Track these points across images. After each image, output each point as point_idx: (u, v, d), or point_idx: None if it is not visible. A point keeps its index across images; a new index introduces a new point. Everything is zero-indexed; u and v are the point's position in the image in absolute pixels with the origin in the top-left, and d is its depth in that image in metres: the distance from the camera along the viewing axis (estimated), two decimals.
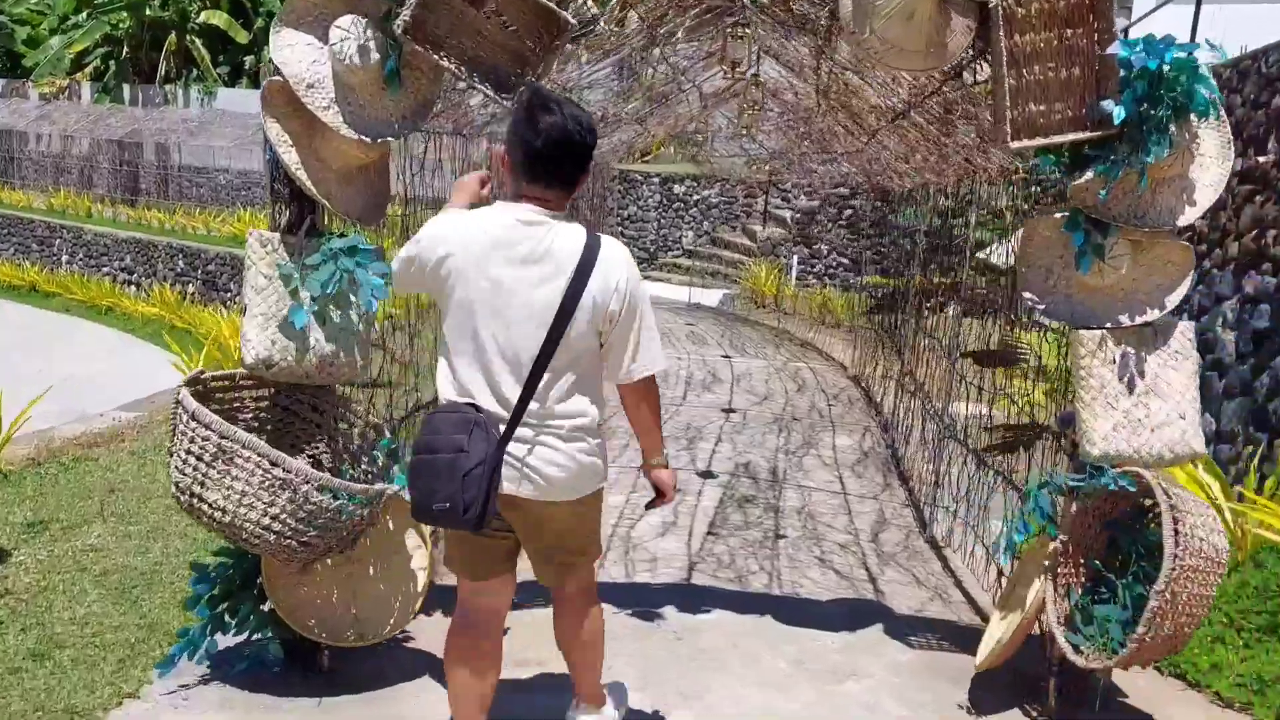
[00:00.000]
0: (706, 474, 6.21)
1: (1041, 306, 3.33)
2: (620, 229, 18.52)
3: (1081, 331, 3.20)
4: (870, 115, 5.96)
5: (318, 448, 3.28)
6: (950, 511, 5.01)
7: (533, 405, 2.36)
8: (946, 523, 5.10)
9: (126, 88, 28.94)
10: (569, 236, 2.38)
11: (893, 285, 13.86)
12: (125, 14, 29.37)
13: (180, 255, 18.96)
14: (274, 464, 2.84)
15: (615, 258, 2.41)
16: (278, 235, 3.02)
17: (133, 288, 19.04)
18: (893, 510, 5.74)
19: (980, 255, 11.20)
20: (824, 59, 5.13)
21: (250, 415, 3.20)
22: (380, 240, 3.68)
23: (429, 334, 4.65)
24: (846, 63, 4.87)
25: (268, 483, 2.84)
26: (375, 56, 2.93)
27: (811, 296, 13.73)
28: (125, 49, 29.81)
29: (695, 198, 18.38)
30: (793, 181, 17.43)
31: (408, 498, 2.46)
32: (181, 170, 24.68)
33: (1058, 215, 3.23)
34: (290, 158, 2.87)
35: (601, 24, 4.07)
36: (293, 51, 2.96)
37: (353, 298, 3.01)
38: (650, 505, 2.68)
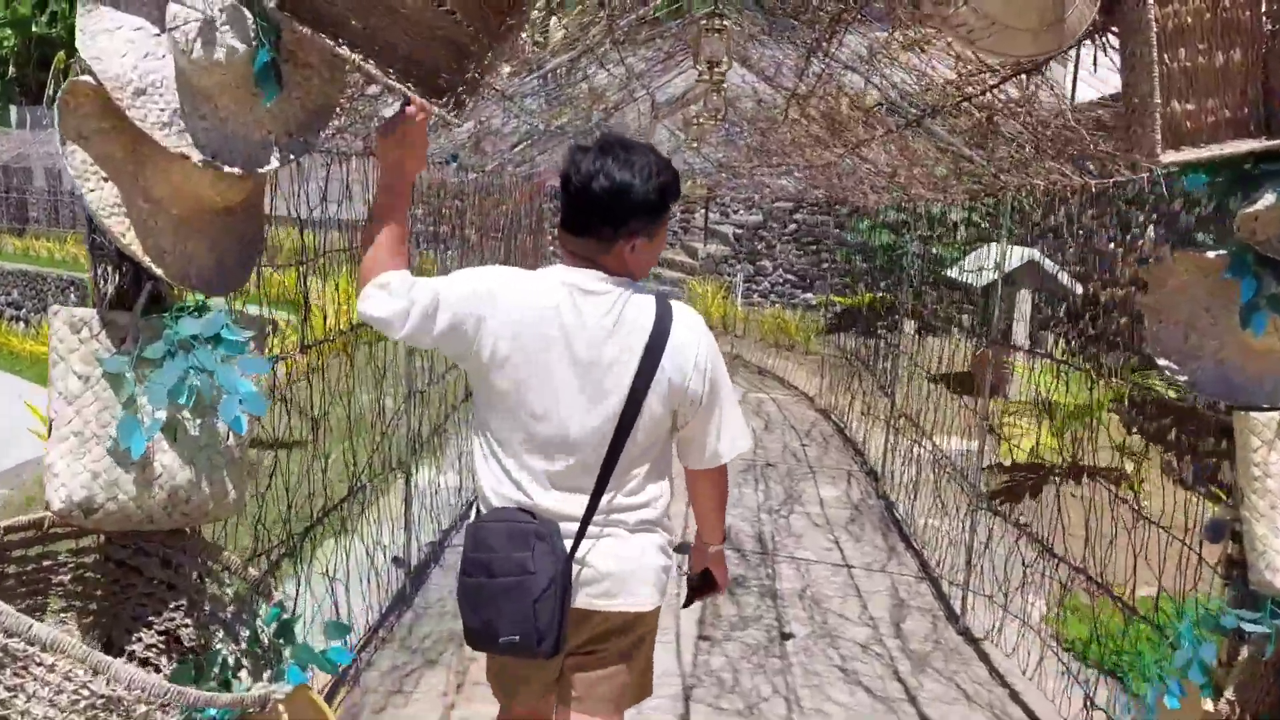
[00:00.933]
0: (682, 547, 5.27)
1: (1183, 376, 2.46)
2: (554, 249, 17.52)
3: (1253, 415, 2.33)
4: (858, 124, 5.11)
5: (173, 618, 2.24)
6: (998, 604, 4.16)
7: (604, 501, 2.00)
8: (986, 613, 4.24)
9: (13, 109, 27.02)
10: (637, 308, 1.97)
11: (857, 303, 13.20)
12: (9, 31, 27.44)
13: (73, 288, 17.42)
14: (95, 672, 1.82)
15: (690, 330, 1.99)
16: (96, 313, 1.98)
17: (20, 324, 17.45)
18: (908, 587, 4.88)
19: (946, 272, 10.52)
20: (816, 57, 4.26)
21: (69, 578, 2.15)
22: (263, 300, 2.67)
23: (339, 409, 3.63)
24: (849, 60, 4.00)
25: (84, 701, 1.82)
26: (240, 47, 1.93)
27: (763, 318, 12.93)
28: (10, 68, 27.85)
29: None
30: (732, 196, 16.69)
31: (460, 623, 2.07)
32: (75, 196, 22.91)
33: (1209, 254, 2.36)
34: (101, 198, 1.85)
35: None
36: (111, 41, 1.93)
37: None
38: (691, 600, 2.37)
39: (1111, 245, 8.87)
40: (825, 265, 14.88)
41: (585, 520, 1.97)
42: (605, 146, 1.96)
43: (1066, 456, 6.38)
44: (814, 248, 15.03)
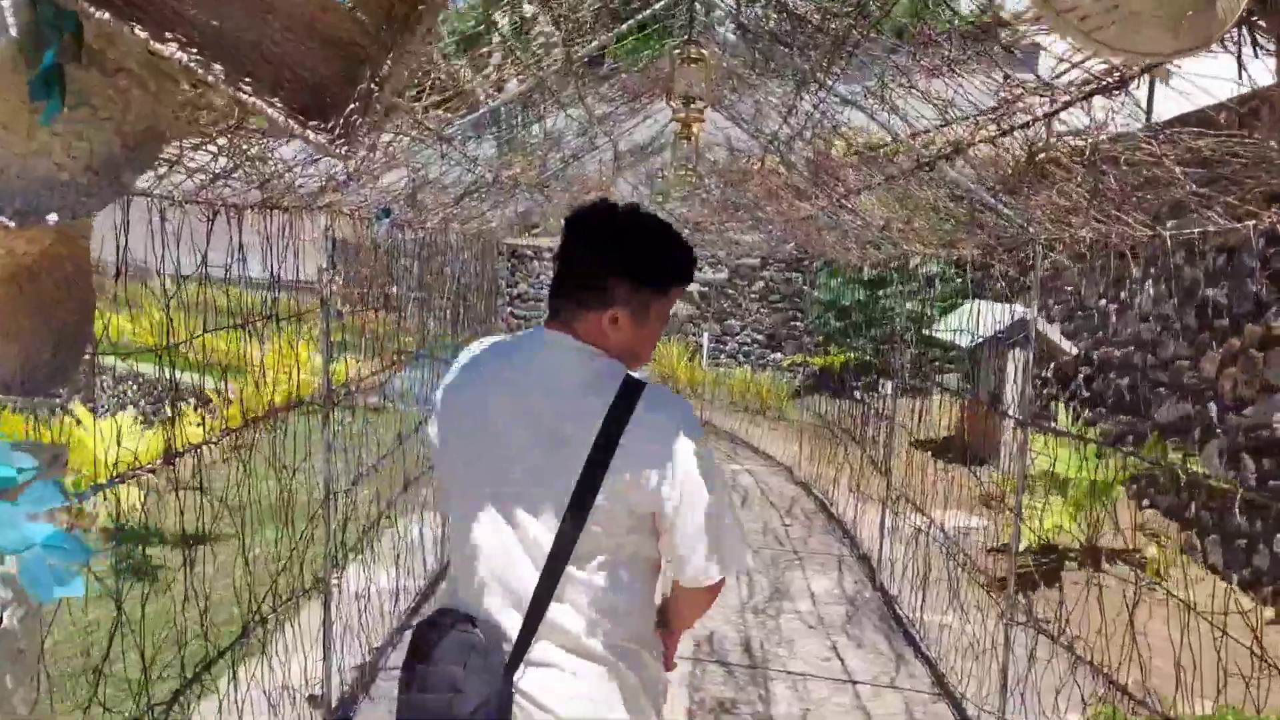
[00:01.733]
0: None
1: None
2: (510, 309, 16.83)
3: None
4: (848, 170, 4.51)
5: None
6: None
7: (553, 613, 1.64)
8: None
9: None
10: (598, 379, 1.67)
11: (830, 364, 12.63)
12: None
13: None
14: None
15: (661, 421, 1.64)
16: None
17: None
18: (923, 708, 4.15)
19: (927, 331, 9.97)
20: (809, 91, 3.65)
21: None
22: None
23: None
24: (850, 93, 3.39)
25: None
26: (7, 36, 1.22)
27: (732, 381, 12.28)
28: None
29: None
30: (697, 253, 16.13)
31: None
32: None
33: None
34: None
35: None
36: None
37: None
38: None
39: (1103, 302, 8.36)
40: (797, 324, 14.34)
41: (525, 632, 1.64)
42: (612, 215, 1.73)
43: (1080, 537, 5.74)
44: (783, 306, 14.48)
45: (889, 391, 12.69)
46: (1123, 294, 7.88)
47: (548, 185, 5.69)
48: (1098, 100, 2.22)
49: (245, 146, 2.60)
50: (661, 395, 1.67)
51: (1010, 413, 7.97)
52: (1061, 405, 8.12)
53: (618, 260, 1.66)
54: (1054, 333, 8.15)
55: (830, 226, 6.16)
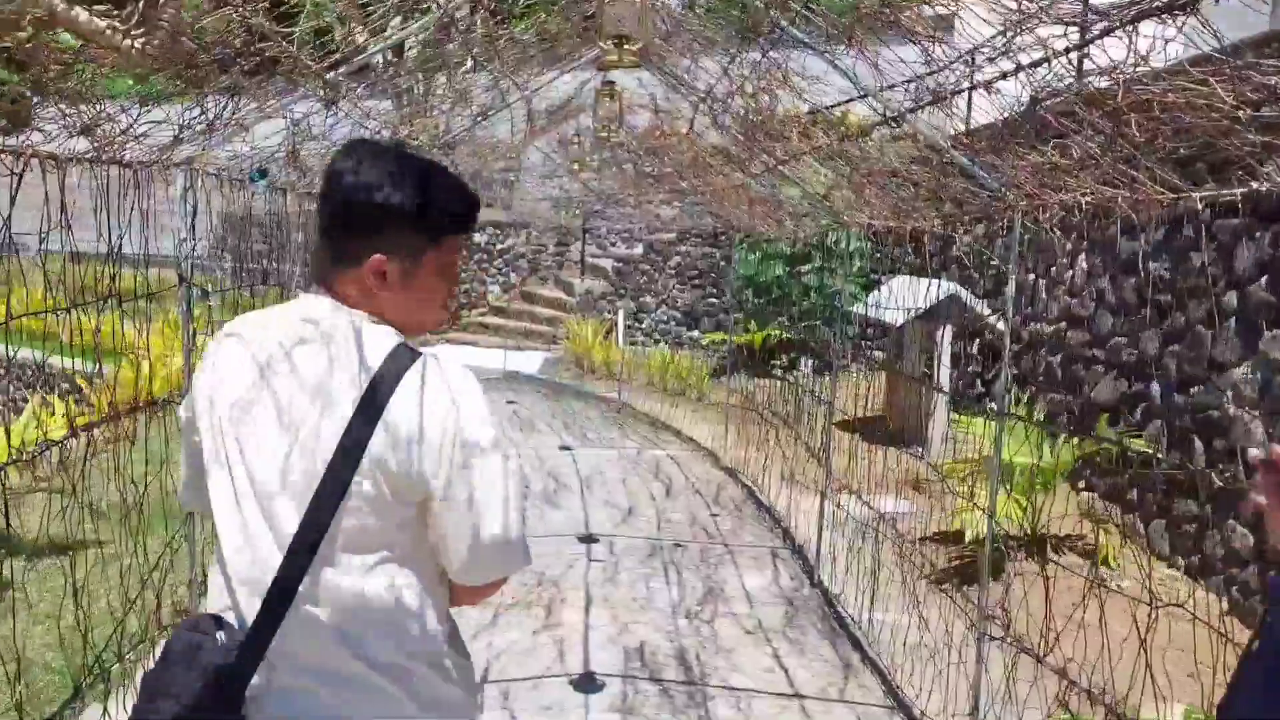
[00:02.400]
0: (588, 681, 4.04)
1: None
2: (445, 284, 16.06)
3: None
4: (794, 132, 4.06)
5: None
6: None
7: (303, 620, 1.38)
8: None
9: None
10: (360, 346, 1.42)
11: (750, 341, 12.26)
12: None
13: None
14: None
15: (432, 394, 1.39)
16: None
17: None
18: None
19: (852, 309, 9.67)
20: (759, 38, 3.17)
21: None
22: None
23: None
24: (810, 37, 2.92)
25: None
26: None
27: (650, 360, 11.81)
28: None
29: (499, 247, 16.21)
30: (609, 227, 15.62)
31: None
32: None
33: None
34: None
35: None
36: None
37: None
38: None
39: (1031, 277, 8.15)
40: (714, 301, 13.96)
41: (253, 642, 1.37)
42: (375, 148, 1.51)
43: (1021, 524, 5.46)
44: (700, 282, 14.08)
45: (809, 370, 12.49)
46: (1052, 268, 7.67)
47: (453, 148, 5.09)
48: (1145, 27, 1.79)
49: (68, 84, 1.99)
50: (440, 366, 1.43)
51: (941, 389, 7.73)
52: (1016, 390, 7.88)
53: (380, 197, 1.42)
54: (983, 308, 7.91)
55: (764, 197, 5.71)
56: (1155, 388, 5.83)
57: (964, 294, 7.87)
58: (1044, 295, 7.87)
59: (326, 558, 1.38)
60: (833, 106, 3.93)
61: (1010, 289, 3.43)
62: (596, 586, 5.16)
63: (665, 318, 14.42)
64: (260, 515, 1.40)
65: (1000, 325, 7.96)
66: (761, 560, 5.74)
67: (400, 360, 1.40)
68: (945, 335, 7.88)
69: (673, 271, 14.33)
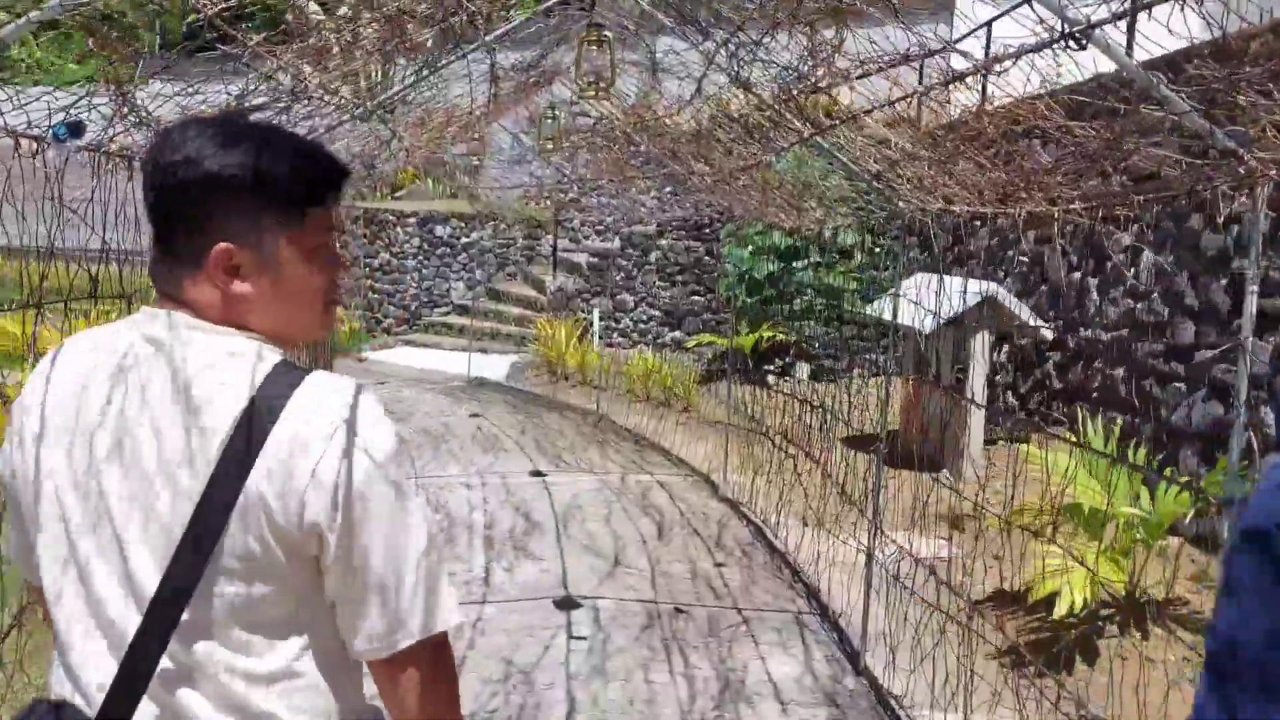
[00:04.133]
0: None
1: None
2: (371, 282, 14.76)
3: None
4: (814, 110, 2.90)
5: None
6: None
7: (167, 707, 1.14)
8: None
9: None
10: (222, 375, 1.15)
11: (740, 345, 11.10)
12: None
13: None
14: None
15: (318, 420, 1.13)
16: None
17: None
18: None
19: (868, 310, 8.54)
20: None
21: None
22: None
23: None
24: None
25: None
26: None
27: (630, 366, 10.61)
28: None
29: (463, 241, 14.96)
30: (582, 219, 14.42)
31: None
32: None
33: None
34: None
35: None
36: None
37: None
38: None
39: (1077, 276, 7.06)
40: (698, 299, 12.78)
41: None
42: (200, 122, 1.19)
43: (1121, 585, 4.33)
44: (683, 279, 12.91)
45: (804, 375, 11.37)
46: (1109, 265, 6.58)
47: (391, 113, 3.87)
48: None
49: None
50: (323, 385, 1.15)
51: (978, 404, 6.63)
52: (1083, 412, 6.78)
53: (210, 166, 1.13)
54: (1024, 312, 6.80)
55: (764, 185, 4.55)
56: (1269, 413, 4.74)
57: (1003, 295, 6.75)
58: (1095, 296, 6.78)
59: (203, 628, 1.11)
60: (925, 55, 2.77)
61: (1252, 296, 2.26)
62: (581, 681, 3.98)
63: (645, 317, 13.23)
64: (107, 575, 1.14)
65: (1048, 332, 6.84)
66: (786, 634, 4.58)
67: (280, 383, 1.13)
68: (983, 342, 6.76)
69: (653, 267, 13.15)
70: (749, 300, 10.83)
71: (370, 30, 3.38)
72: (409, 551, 1.15)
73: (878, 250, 11.67)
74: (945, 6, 11.73)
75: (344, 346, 13.61)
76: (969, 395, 6.76)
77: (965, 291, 6.72)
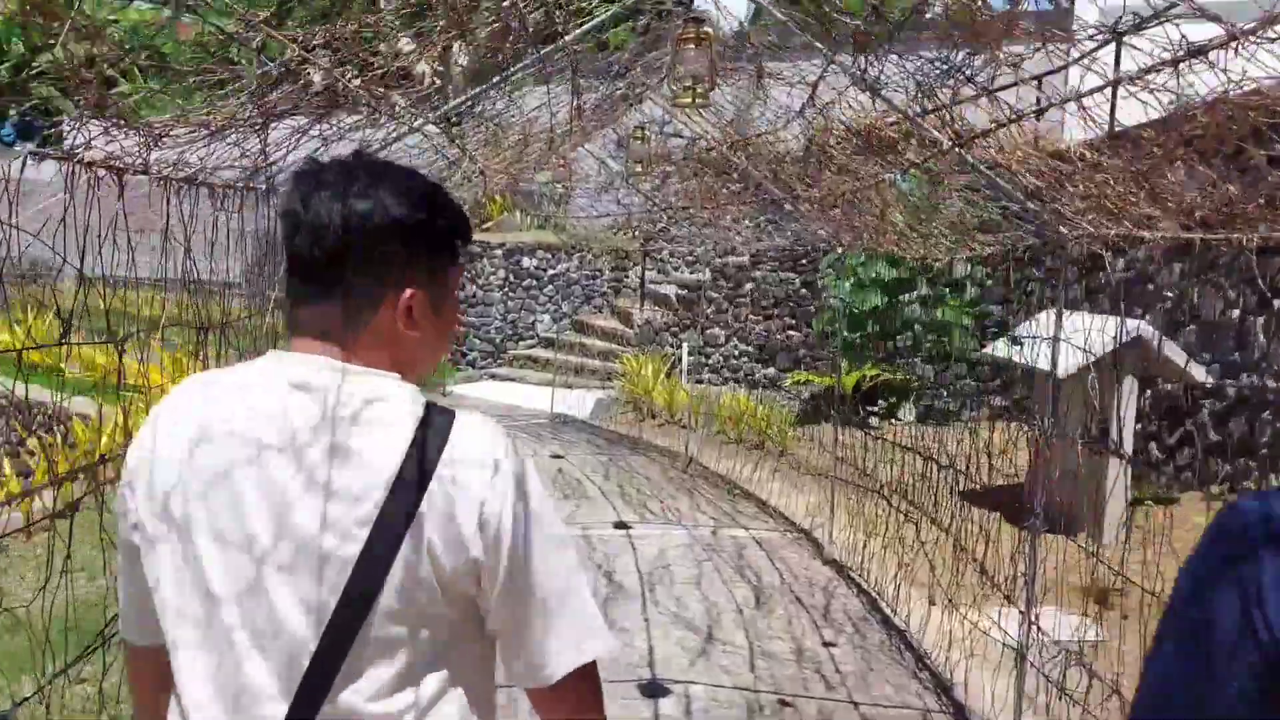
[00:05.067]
0: None
1: None
2: (458, 315, 14.45)
3: None
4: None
5: None
6: None
7: None
8: None
9: None
10: (383, 418, 1.16)
11: (841, 383, 10.38)
12: None
13: None
14: None
15: (477, 462, 1.15)
16: None
17: None
18: None
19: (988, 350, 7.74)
20: None
21: None
22: None
23: None
24: None
25: None
26: None
27: (720, 406, 9.96)
28: None
29: (550, 273, 14.57)
30: (671, 249, 13.89)
31: None
32: None
33: None
34: None
35: None
36: None
37: None
38: None
39: (1235, 313, 6.19)
40: (794, 333, 12.08)
41: None
42: (363, 165, 1.22)
43: None
44: (777, 312, 12.23)
45: (909, 418, 10.55)
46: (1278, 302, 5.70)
47: (457, 124, 3.38)
48: None
49: None
50: (475, 425, 1.18)
51: (1125, 456, 5.81)
52: (1251, 470, 5.89)
53: (405, 218, 1.17)
54: (1177, 354, 5.95)
55: (913, 201, 3.90)
56: None
57: (1154, 336, 5.92)
58: (1261, 337, 5.90)
59: (351, 675, 1.11)
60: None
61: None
62: None
63: (736, 352, 12.58)
64: (279, 622, 1.11)
65: (1205, 377, 5.98)
66: None
67: (437, 425, 1.15)
68: (1130, 390, 5.94)
69: (745, 300, 12.51)
70: (850, 336, 10.11)
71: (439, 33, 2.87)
72: (562, 585, 1.18)
73: (989, 283, 10.84)
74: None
75: (429, 381, 13.29)
76: (1113, 448, 5.93)
77: (1108, 331, 5.93)
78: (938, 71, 2.99)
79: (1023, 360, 6.31)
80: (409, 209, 1.17)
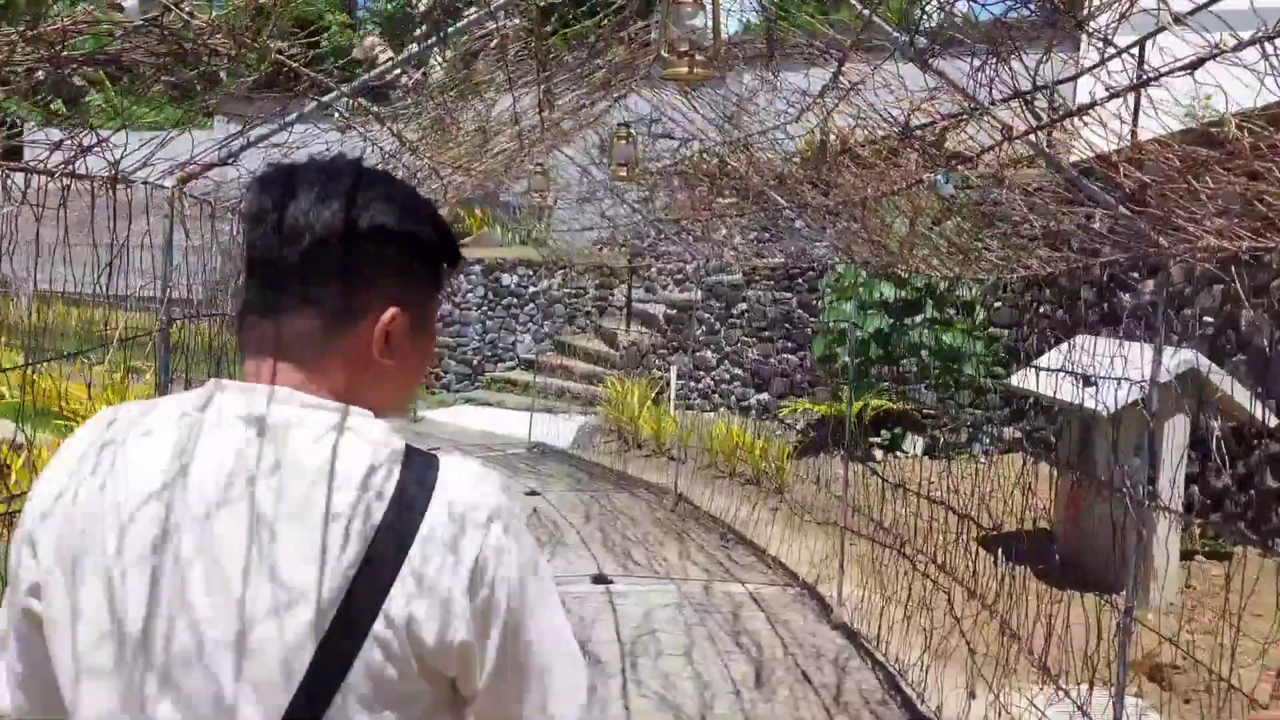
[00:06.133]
0: None
1: None
2: (433, 349, 13.64)
3: None
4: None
5: None
6: None
7: None
8: None
9: None
10: (356, 466, 0.98)
11: (839, 412, 9.61)
12: None
13: None
14: None
15: (466, 516, 0.99)
16: None
17: None
18: None
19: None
20: None
21: None
22: None
23: None
24: None
25: None
26: None
27: (713, 436, 9.16)
28: None
29: (531, 290, 13.82)
30: (659, 266, 13.16)
31: None
32: None
33: None
34: None
35: None
36: None
37: None
38: None
39: None
40: (788, 356, 11.32)
41: None
42: (331, 166, 1.06)
43: None
44: (771, 334, 11.47)
45: (916, 451, 9.79)
46: None
47: (385, 103, 2.62)
48: None
49: None
50: (464, 470, 1.01)
51: (1171, 509, 5.06)
52: None
53: (387, 220, 1.02)
54: (1237, 390, 5.21)
55: (956, 206, 3.16)
56: None
57: (1208, 367, 5.18)
58: None
59: None
60: None
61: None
62: None
63: (728, 377, 11.82)
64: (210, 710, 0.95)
65: (1270, 417, 5.23)
66: None
67: (419, 472, 0.98)
68: (1180, 429, 5.19)
69: (737, 321, 11.75)
70: (851, 362, 9.34)
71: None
72: (552, 650, 1.05)
73: (999, 306, 10.12)
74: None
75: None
76: (1160, 496, 5.19)
77: (1155, 362, 5.20)
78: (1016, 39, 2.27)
79: (1060, 394, 5.56)
80: (398, 217, 1.04)
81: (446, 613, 0.95)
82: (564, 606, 3.92)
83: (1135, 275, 7.63)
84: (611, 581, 5.85)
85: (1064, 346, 6.26)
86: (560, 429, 10.77)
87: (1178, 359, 5.19)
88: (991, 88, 2.41)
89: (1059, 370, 5.21)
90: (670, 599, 5.61)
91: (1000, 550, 4.16)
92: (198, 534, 0.94)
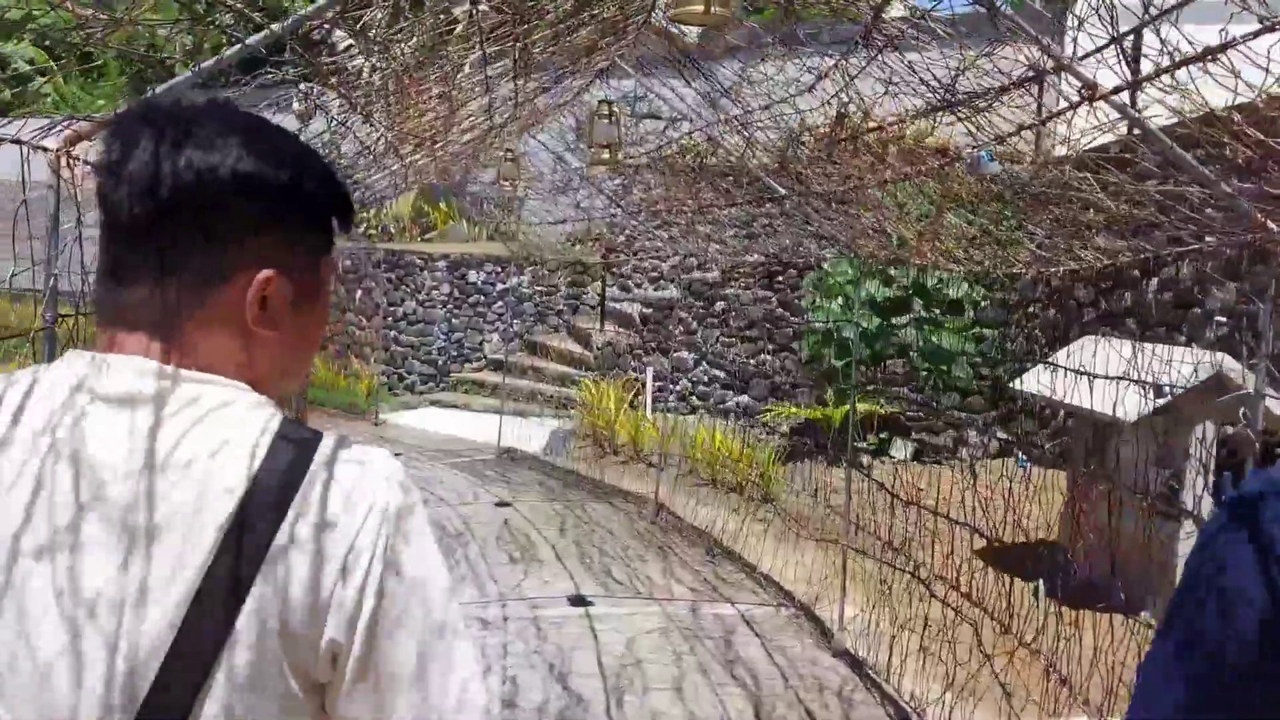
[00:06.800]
0: None
1: None
2: (395, 334, 13.09)
3: None
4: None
5: None
6: None
7: None
8: None
9: None
10: (222, 445, 0.88)
11: (824, 416, 9.19)
12: None
13: None
14: None
15: (350, 502, 0.88)
16: None
17: None
18: None
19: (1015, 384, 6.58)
20: None
21: None
22: None
23: None
24: None
25: None
26: None
27: (694, 443, 8.69)
28: None
29: (500, 288, 13.28)
30: (635, 263, 12.68)
31: None
32: None
33: None
34: None
35: None
36: None
37: None
38: None
39: None
40: (773, 359, 10.88)
41: None
42: (190, 108, 0.92)
43: None
44: (752, 334, 11.04)
45: (905, 455, 9.39)
46: None
47: (311, 53, 2.14)
48: None
49: None
50: (355, 456, 0.89)
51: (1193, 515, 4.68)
52: None
53: (255, 168, 0.89)
54: (1275, 397, 4.83)
55: (999, 190, 2.71)
56: None
57: (1239, 371, 4.79)
58: None
59: None
60: None
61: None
62: None
63: (707, 378, 11.37)
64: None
65: None
66: None
67: (288, 454, 0.87)
68: (1206, 436, 4.81)
69: (717, 320, 11.31)
70: (839, 363, 8.93)
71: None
72: (437, 655, 0.89)
73: (984, 305, 9.75)
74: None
75: (361, 407, 11.93)
76: (1186, 508, 4.80)
77: (1176, 364, 4.82)
78: None
79: (1073, 401, 5.15)
80: (270, 166, 0.91)
81: (311, 612, 0.84)
82: (538, 631, 3.34)
83: (1135, 272, 7.26)
84: (591, 603, 5.37)
85: (1071, 347, 5.88)
86: (532, 433, 10.25)
87: (1204, 360, 4.80)
88: (1077, 38, 1.97)
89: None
90: (655, 623, 5.13)
91: (1032, 586, 3.73)
92: (43, 520, 0.85)
